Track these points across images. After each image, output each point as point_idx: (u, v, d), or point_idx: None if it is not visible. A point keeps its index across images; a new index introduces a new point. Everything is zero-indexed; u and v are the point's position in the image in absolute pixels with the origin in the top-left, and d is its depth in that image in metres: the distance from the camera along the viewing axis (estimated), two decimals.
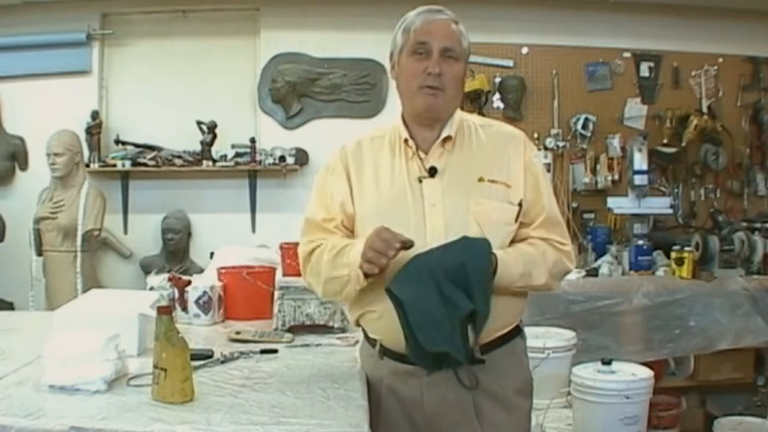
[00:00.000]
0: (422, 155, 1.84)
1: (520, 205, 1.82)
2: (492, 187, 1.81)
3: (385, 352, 1.84)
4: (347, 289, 1.77)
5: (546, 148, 4.74)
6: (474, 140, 1.87)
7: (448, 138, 1.84)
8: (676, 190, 4.91)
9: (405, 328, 1.67)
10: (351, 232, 1.86)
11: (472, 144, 1.86)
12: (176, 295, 2.66)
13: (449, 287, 1.63)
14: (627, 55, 4.92)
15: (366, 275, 1.71)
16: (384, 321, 1.76)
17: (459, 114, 1.89)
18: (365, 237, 1.72)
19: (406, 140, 1.85)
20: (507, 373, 1.83)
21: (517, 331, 1.90)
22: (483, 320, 1.67)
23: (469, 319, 1.65)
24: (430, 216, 1.77)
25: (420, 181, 1.81)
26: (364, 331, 1.92)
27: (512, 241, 1.83)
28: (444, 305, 1.62)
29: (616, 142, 4.75)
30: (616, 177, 4.73)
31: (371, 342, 1.89)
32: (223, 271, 2.81)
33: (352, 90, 4.85)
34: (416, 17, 1.84)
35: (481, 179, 1.81)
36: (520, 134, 1.93)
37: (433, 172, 1.81)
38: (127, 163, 4.60)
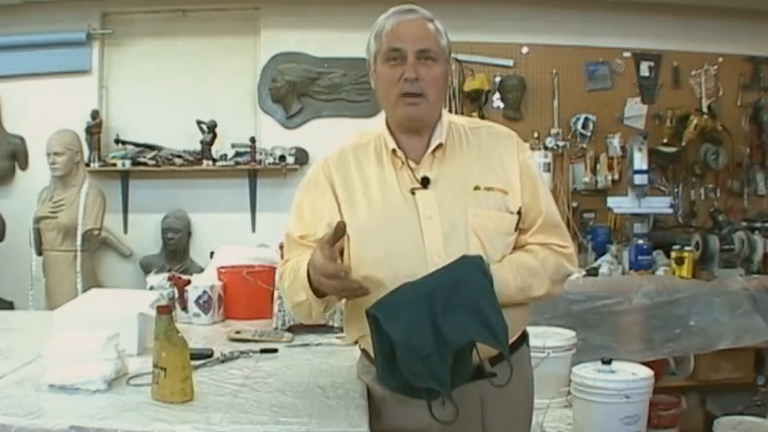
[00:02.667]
0: (413, 165, 1.72)
1: (519, 213, 1.73)
2: (489, 196, 1.71)
3: None
4: (314, 312, 1.67)
5: (546, 148, 4.74)
6: (465, 145, 1.76)
7: (438, 146, 1.73)
8: (676, 190, 4.91)
9: (381, 357, 1.54)
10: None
11: (464, 150, 1.76)
12: (176, 294, 2.66)
13: (443, 315, 1.50)
14: (627, 54, 4.92)
15: (320, 295, 1.60)
16: None
17: (446, 117, 1.79)
18: (358, 257, 1.65)
19: (394, 150, 1.73)
20: (512, 385, 1.68)
21: (522, 339, 1.82)
22: (505, 332, 1.53)
23: (469, 346, 1.54)
24: (427, 229, 1.66)
25: (413, 193, 1.69)
26: (364, 350, 1.80)
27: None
28: (434, 338, 1.49)
29: (616, 141, 4.76)
30: (616, 176, 4.74)
31: (373, 362, 1.73)
32: (223, 270, 2.80)
33: (352, 89, 4.85)
34: (386, 20, 1.73)
35: (477, 188, 1.71)
36: (512, 134, 1.82)
37: (425, 182, 1.70)
38: (127, 163, 4.61)
